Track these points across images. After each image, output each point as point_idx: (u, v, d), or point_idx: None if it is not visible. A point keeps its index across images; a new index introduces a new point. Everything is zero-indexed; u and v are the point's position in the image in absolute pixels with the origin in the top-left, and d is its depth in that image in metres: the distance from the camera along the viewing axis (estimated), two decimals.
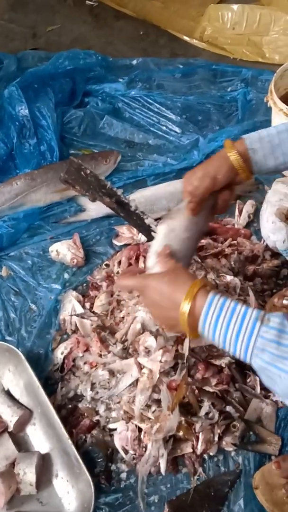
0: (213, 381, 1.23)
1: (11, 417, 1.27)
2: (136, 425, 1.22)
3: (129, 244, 1.58)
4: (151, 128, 1.94)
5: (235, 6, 2.23)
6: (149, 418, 1.21)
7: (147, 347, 1.24)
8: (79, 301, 1.46)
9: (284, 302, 1.31)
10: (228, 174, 1.06)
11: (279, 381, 0.79)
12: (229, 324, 0.83)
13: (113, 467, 1.24)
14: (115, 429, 1.25)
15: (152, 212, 1.55)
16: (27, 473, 1.19)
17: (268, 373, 0.81)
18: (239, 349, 0.83)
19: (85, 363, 1.35)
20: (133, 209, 1.16)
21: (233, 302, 0.85)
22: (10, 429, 1.27)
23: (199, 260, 1.35)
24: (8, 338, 1.46)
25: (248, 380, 1.28)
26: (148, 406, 1.21)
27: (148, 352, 1.24)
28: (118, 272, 1.49)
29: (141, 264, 1.45)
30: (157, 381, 1.21)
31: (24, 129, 1.81)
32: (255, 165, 1.06)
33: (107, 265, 1.55)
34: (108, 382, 1.29)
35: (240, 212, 1.61)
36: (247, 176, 1.07)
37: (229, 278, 1.34)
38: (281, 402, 1.27)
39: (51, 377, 1.37)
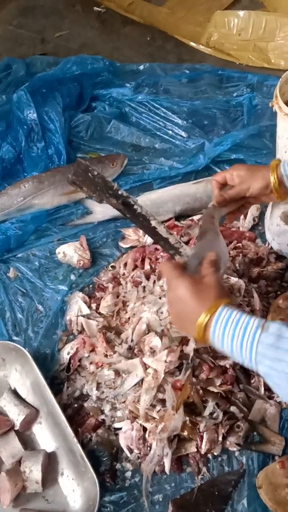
0: (218, 382, 1.24)
1: (17, 416, 1.29)
2: (141, 425, 1.23)
3: (135, 246, 1.59)
4: (158, 132, 1.96)
5: (241, 13, 2.25)
6: (154, 418, 1.22)
7: (152, 347, 1.26)
8: (85, 302, 1.48)
9: None
10: (260, 192, 1.16)
11: (281, 383, 0.83)
12: (234, 334, 0.88)
13: (118, 466, 1.25)
14: (120, 428, 1.27)
15: (158, 215, 1.57)
16: (33, 471, 1.21)
17: (271, 378, 0.85)
18: (244, 356, 0.87)
19: (91, 363, 1.36)
20: (139, 211, 1.18)
21: (238, 314, 0.90)
22: (16, 428, 1.29)
23: None
24: (15, 338, 1.48)
25: (252, 381, 1.30)
26: (153, 406, 1.22)
27: (153, 352, 1.25)
28: (124, 274, 1.51)
29: (146, 266, 1.47)
30: (162, 381, 1.22)
31: (32, 132, 1.83)
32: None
33: (113, 267, 1.57)
34: (114, 382, 1.30)
35: (245, 215, 1.63)
36: (280, 197, 1.16)
37: (234, 280, 1.35)
38: (285, 403, 1.28)
39: (57, 376, 1.38)
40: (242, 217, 1.63)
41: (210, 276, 0.99)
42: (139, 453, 1.23)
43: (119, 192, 1.15)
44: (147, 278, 1.43)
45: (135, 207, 1.16)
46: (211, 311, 0.92)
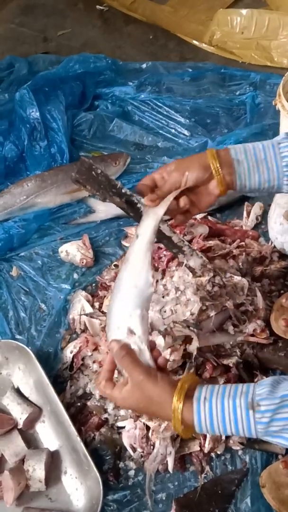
0: (221, 380, 1.24)
1: (21, 414, 1.29)
2: (144, 423, 1.23)
3: None
4: (160, 131, 1.96)
5: (244, 11, 2.24)
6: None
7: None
8: (88, 301, 1.48)
9: None
10: (197, 174, 0.98)
11: None
12: (225, 425, 0.84)
13: (121, 464, 1.25)
14: (123, 427, 1.27)
15: None
16: (36, 470, 1.21)
17: (280, 442, 0.84)
18: (244, 437, 0.88)
19: (94, 362, 1.36)
20: (143, 209, 1.18)
21: (219, 400, 0.85)
22: (19, 426, 1.29)
23: (207, 261, 1.36)
24: (18, 336, 1.48)
25: (255, 380, 1.29)
26: None
27: None
28: None
29: None
30: None
31: (35, 131, 1.83)
32: (239, 178, 0.98)
33: (116, 266, 1.57)
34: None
35: (248, 214, 1.62)
36: (224, 187, 0.99)
37: (237, 279, 1.35)
38: None
39: (60, 375, 1.38)
40: (245, 215, 1.63)
41: (134, 375, 0.91)
42: (142, 452, 1.23)
43: (123, 191, 1.15)
44: None
45: (139, 205, 1.16)
46: (177, 410, 0.86)
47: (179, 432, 0.90)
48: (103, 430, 1.28)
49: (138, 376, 0.91)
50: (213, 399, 0.85)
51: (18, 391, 1.35)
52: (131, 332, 0.94)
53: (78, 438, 1.21)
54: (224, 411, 0.84)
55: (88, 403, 1.31)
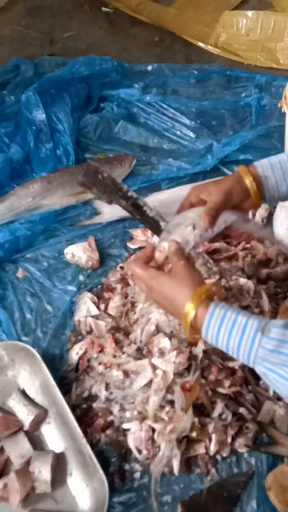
0: (227, 383, 1.24)
1: (26, 416, 1.29)
2: (149, 426, 1.23)
3: (143, 247, 1.59)
4: (166, 133, 1.96)
5: (249, 13, 2.25)
6: (163, 419, 1.22)
7: (161, 348, 1.25)
8: (94, 303, 1.48)
9: None
10: (241, 196, 1.06)
11: (281, 386, 0.83)
12: (230, 336, 0.86)
13: (127, 466, 1.25)
14: (129, 429, 1.26)
15: (166, 216, 1.56)
16: (42, 472, 1.21)
17: (270, 379, 0.85)
18: (241, 358, 0.87)
19: (99, 363, 1.36)
20: (148, 213, 1.18)
21: (234, 313, 0.88)
22: (25, 428, 1.29)
23: (213, 263, 1.36)
24: (24, 338, 1.48)
25: (261, 382, 1.29)
26: (161, 407, 1.22)
27: (162, 353, 1.25)
28: (132, 275, 1.51)
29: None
30: (171, 382, 1.22)
31: (41, 133, 1.83)
32: (268, 192, 1.07)
33: (122, 268, 1.57)
34: (122, 383, 1.30)
35: (254, 216, 1.62)
36: (258, 203, 1.08)
37: (242, 281, 1.35)
38: None
39: (66, 377, 1.38)
40: (250, 217, 1.62)
41: (175, 265, 0.97)
42: (148, 454, 1.23)
43: (129, 194, 1.15)
44: None
45: (145, 208, 1.16)
46: (194, 304, 0.90)
47: (186, 330, 0.93)
48: (108, 432, 1.28)
49: (175, 259, 0.98)
50: (229, 310, 0.88)
51: (23, 393, 1.35)
52: (193, 227, 1.04)
53: (84, 440, 1.21)
54: (235, 323, 0.86)
55: (94, 405, 1.31)
